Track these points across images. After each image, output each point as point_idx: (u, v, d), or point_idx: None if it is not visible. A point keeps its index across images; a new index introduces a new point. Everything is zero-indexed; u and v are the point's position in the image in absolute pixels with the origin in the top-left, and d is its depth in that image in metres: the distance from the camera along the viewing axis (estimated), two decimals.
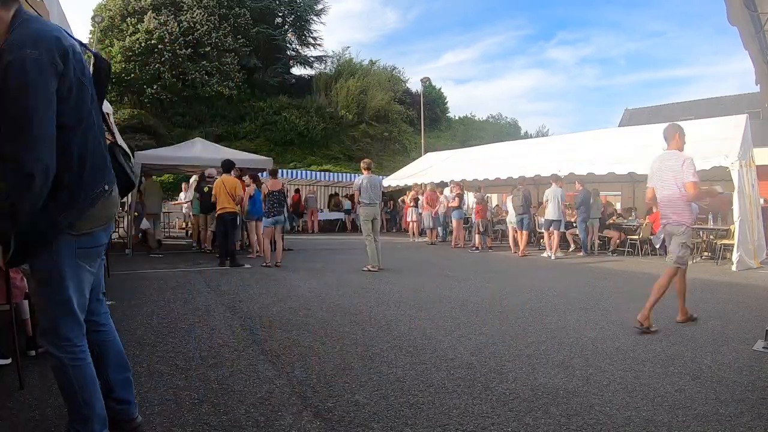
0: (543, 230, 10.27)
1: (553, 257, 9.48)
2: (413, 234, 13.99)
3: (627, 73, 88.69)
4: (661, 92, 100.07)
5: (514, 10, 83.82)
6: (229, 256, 7.61)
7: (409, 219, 14.18)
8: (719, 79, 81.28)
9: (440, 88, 36.96)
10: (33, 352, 3.03)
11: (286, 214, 8.09)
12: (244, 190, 8.46)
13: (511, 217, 10.44)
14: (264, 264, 7.64)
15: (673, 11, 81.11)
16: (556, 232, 9.67)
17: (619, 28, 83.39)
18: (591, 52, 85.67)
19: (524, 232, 10.03)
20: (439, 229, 13.05)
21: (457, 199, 11.61)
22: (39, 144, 1.50)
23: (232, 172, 7.82)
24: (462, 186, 12.20)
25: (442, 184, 13.24)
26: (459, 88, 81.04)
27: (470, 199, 11.97)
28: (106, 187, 1.78)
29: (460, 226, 11.76)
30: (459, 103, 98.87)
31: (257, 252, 8.80)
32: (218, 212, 7.61)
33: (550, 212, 9.57)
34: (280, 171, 16.22)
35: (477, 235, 11.07)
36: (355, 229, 18.03)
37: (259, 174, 9.88)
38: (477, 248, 10.93)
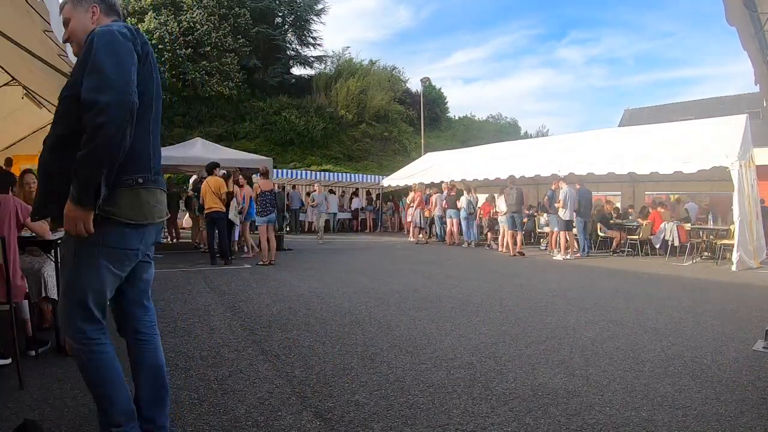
0: (553, 230, 10.31)
1: (568, 257, 9.38)
2: (413, 234, 14.02)
3: (635, 73, 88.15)
4: (668, 92, 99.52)
5: (528, 9, 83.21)
6: (220, 254, 7.83)
7: (409, 219, 14.23)
8: (726, 80, 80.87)
9: (440, 88, 36.92)
10: (33, 352, 3.03)
11: (277, 214, 8.32)
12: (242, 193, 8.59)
13: (502, 217, 10.60)
14: (260, 262, 7.74)
15: (684, 11, 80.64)
16: (568, 232, 9.63)
17: (631, 28, 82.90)
18: (600, 51, 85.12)
19: (518, 232, 10.12)
20: (435, 228, 13.19)
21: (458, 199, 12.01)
22: None
23: (217, 172, 8.07)
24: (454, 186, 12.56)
25: (442, 185, 13.27)
26: (467, 87, 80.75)
27: (463, 199, 12.03)
28: None
29: (452, 224, 12.34)
30: (466, 103, 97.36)
31: (254, 252, 8.93)
32: (206, 212, 7.87)
33: (567, 213, 9.42)
34: (280, 171, 16.33)
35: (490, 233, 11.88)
36: (355, 229, 18.05)
37: (253, 174, 9.98)
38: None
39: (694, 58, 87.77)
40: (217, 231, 7.89)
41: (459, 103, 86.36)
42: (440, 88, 36.80)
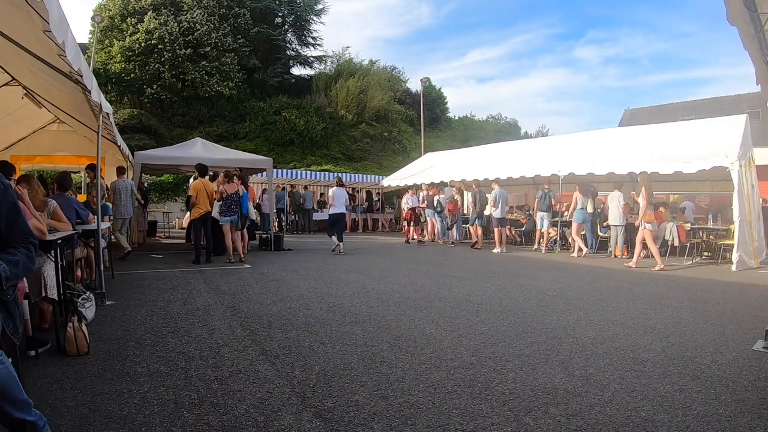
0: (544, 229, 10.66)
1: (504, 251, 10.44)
2: (407, 234, 14.05)
3: (649, 73, 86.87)
4: (681, 92, 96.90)
5: (550, 8, 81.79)
6: (197, 255, 7.96)
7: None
8: (739, 80, 79.20)
9: (440, 88, 36.98)
10: (33, 352, 3.03)
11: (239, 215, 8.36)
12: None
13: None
14: (228, 260, 7.96)
15: (703, 11, 79.76)
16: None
17: (650, 28, 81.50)
18: (617, 51, 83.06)
19: (480, 228, 11.34)
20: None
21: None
22: None
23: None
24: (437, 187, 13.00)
25: (442, 184, 13.30)
26: (479, 86, 79.99)
27: (468, 198, 12.17)
28: None
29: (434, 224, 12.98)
30: (475, 102, 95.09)
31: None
32: (203, 213, 7.99)
33: (498, 211, 10.66)
34: (280, 171, 16.44)
35: (452, 231, 12.53)
36: (355, 228, 18.04)
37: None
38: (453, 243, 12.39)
39: (709, 58, 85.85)
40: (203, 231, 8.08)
41: (468, 102, 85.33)
42: (440, 88, 36.88)
